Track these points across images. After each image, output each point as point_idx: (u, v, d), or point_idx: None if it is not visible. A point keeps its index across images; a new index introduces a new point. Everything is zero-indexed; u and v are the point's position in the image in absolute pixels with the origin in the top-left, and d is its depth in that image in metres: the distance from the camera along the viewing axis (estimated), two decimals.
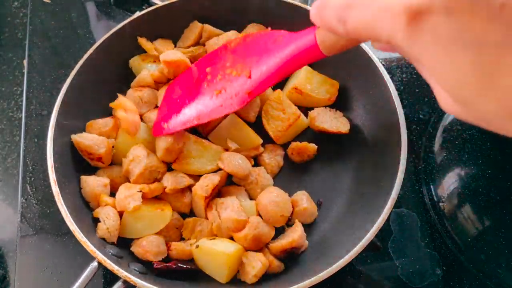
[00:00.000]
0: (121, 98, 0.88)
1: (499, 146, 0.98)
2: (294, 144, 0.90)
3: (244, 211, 0.79)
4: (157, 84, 0.95)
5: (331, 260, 0.70)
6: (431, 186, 0.94)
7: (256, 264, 0.75)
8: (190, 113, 0.81)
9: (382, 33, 0.39)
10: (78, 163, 0.85)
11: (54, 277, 0.82)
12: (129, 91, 0.94)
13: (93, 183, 0.81)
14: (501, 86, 0.32)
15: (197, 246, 0.76)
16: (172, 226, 0.81)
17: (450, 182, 0.95)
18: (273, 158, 0.90)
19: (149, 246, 0.77)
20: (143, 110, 0.92)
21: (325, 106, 0.95)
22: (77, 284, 0.67)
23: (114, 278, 0.69)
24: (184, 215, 0.84)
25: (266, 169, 0.88)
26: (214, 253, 0.75)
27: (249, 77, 0.74)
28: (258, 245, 0.79)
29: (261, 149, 0.90)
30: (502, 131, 0.37)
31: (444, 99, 0.41)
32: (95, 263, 0.69)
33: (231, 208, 0.79)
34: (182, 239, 0.82)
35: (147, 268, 0.77)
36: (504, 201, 0.91)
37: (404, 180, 0.76)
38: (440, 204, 0.91)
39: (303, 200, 0.83)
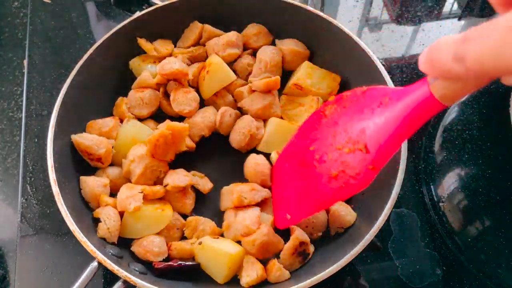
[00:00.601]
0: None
1: (499, 146, 0.98)
2: None
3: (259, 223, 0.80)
4: (158, 86, 0.95)
5: (331, 260, 0.70)
6: (431, 186, 0.94)
7: (252, 273, 0.75)
8: (310, 200, 0.71)
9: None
10: (78, 163, 0.85)
11: (54, 277, 0.82)
12: (131, 92, 0.94)
13: (93, 184, 0.81)
14: None
15: (200, 243, 0.76)
16: (172, 226, 0.81)
17: (450, 182, 0.95)
18: None
19: (149, 246, 0.77)
20: (144, 111, 0.92)
21: None
22: (77, 284, 0.67)
23: (114, 278, 0.69)
24: (185, 216, 0.84)
25: None
26: (217, 251, 0.75)
27: (367, 151, 0.63)
28: (265, 254, 0.78)
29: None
30: None
31: None
32: (95, 263, 0.69)
33: (249, 215, 0.79)
34: (182, 239, 0.82)
35: (147, 268, 0.77)
36: (504, 201, 0.91)
37: (404, 180, 0.76)
38: (440, 204, 0.91)
39: None
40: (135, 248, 0.78)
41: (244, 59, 0.99)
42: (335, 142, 0.69)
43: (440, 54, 0.39)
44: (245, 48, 1.01)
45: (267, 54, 0.96)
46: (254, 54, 1.00)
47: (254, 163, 0.85)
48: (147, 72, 0.95)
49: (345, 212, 0.81)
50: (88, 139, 0.83)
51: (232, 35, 0.97)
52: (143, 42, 0.96)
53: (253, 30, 1.00)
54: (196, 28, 1.01)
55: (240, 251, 0.76)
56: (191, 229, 0.81)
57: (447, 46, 0.38)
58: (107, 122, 0.88)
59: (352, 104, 0.68)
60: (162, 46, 0.99)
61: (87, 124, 0.88)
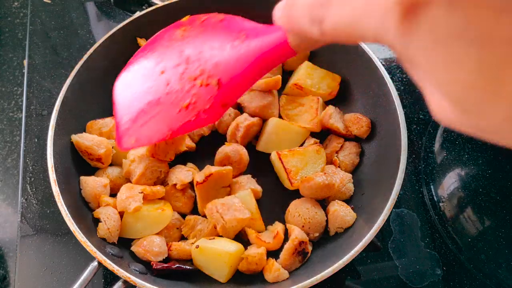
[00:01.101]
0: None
1: (499, 146, 0.98)
2: None
3: (246, 207, 0.80)
4: None
5: (331, 260, 0.70)
6: (431, 186, 0.94)
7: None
8: (159, 127, 0.69)
9: (368, 32, 0.33)
10: (78, 163, 0.85)
11: (54, 277, 0.82)
12: None
13: (93, 184, 0.81)
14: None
15: (197, 246, 0.76)
16: (172, 226, 0.81)
17: (450, 182, 0.95)
18: (347, 156, 0.89)
19: (149, 246, 0.77)
20: None
21: (334, 105, 0.94)
22: (77, 284, 0.67)
23: (114, 278, 0.69)
24: (184, 216, 0.84)
25: (340, 167, 0.88)
26: (215, 252, 0.75)
27: (219, 87, 0.63)
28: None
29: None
30: (504, 142, 0.33)
31: (438, 106, 0.34)
32: (95, 263, 0.69)
33: (234, 207, 0.79)
34: (182, 239, 0.82)
35: (147, 268, 0.77)
36: (504, 201, 0.91)
37: (404, 180, 0.76)
38: (440, 204, 0.91)
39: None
40: (135, 248, 0.78)
41: None
42: (188, 71, 0.67)
43: (297, 13, 0.39)
44: None
45: None
46: None
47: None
48: None
49: (344, 213, 0.80)
50: (88, 139, 0.83)
51: None
52: (143, 43, 0.96)
53: None
54: None
55: (238, 248, 0.76)
56: (188, 228, 0.82)
57: (304, 6, 0.38)
58: (107, 122, 0.88)
59: (208, 31, 0.67)
60: None
61: (87, 124, 0.88)
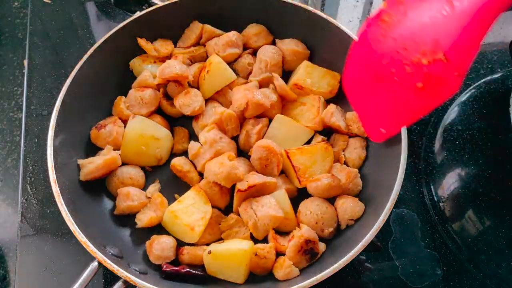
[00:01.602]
0: None
1: (499, 146, 0.98)
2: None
3: (280, 207, 0.80)
4: (158, 86, 0.95)
5: (331, 260, 0.70)
6: (431, 186, 0.94)
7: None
8: (401, 113, 0.73)
9: None
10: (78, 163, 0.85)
11: (54, 277, 0.82)
12: (131, 92, 0.94)
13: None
14: None
15: (209, 252, 0.75)
16: (215, 223, 0.82)
17: (450, 182, 0.95)
18: (353, 152, 0.89)
19: (155, 247, 0.77)
20: (143, 110, 0.92)
21: (336, 104, 0.94)
22: (77, 284, 0.67)
23: (114, 278, 0.69)
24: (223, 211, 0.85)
25: (348, 164, 0.88)
26: (230, 253, 0.75)
27: (447, 60, 0.61)
28: None
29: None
30: None
31: None
32: (95, 263, 0.69)
33: (268, 205, 0.79)
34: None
35: (147, 268, 0.77)
36: (504, 201, 0.91)
37: (404, 180, 0.76)
38: (440, 204, 0.91)
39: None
40: (147, 243, 0.79)
41: (244, 59, 0.99)
42: (409, 54, 0.66)
43: None
44: (245, 47, 1.01)
45: (268, 53, 0.96)
46: (254, 53, 1.00)
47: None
48: (147, 71, 0.95)
49: (353, 204, 0.81)
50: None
51: (232, 35, 0.98)
52: (143, 43, 0.97)
53: (253, 30, 1.00)
54: (196, 28, 1.01)
55: (251, 245, 0.76)
56: (227, 225, 0.82)
57: None
58: (110, 131, 0.88)
59: (411, 10, 0.65)
60: (162, 46, 0.99)
61: (92, 135, 0.88)
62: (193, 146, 0.87)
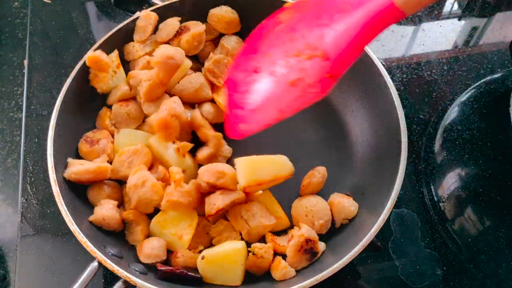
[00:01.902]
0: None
1: (499, 146, 0.98)
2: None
3: (270, 212, 0.80)
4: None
5: (331, 260, 0.70)
6: (431, 186, 0.94)
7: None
8: (268, 110, 0.70)
9: None
10: None
11: (54, 277, 0.82)
12: (115, 107, 0.90)
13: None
14: None
15: (202, 258, 0.74)
16: (202, 232, 0.81)
17: (450, 182, 0.95)
18: None
19: (144, 246, 0.77)
20: (132, 126, 0.89)
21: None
22: (77, 284, 0.67)
23: (114, 278, 0.69)
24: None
25: None
26: (224, 255, 0.75)
27: (326, 58, 0.63)
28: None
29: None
30: None
31: None
32: (95, 263, 0.69)
33: (259, 214, 0.78)
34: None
35: (147, 268, 0.77)
36: (504, 201, 0.91)
37: (404, 180, 0.76)
38: (440, 204, 0.91)
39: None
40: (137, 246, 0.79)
41: (206, 47, 0.99)
42: (293, 48, 0.67)
43: None
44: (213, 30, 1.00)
45: (230, 43, 0.96)
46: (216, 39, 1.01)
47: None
48: (124, 85, 0.91)
49: (348, 204, 0.81)
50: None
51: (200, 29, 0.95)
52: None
53: (226, 17, 0.98)
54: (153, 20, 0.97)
55: (243, 244, 0.76)
56: (217, 231, 0.80)
57: None
58: (104, 147, 0.85)
59: (310, 10, 0.67)
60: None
61: (83, 149, 0.85)
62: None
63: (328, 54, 0.62)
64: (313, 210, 0.81)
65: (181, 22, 0.99)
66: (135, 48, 0.96)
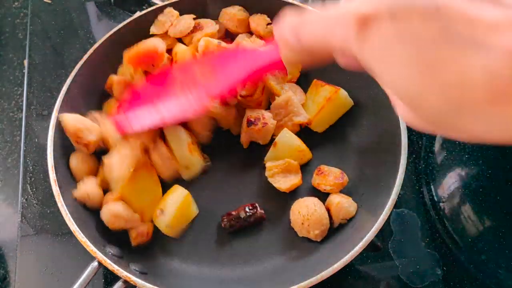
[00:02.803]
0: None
1: (499, 146, 0.98)
2: None
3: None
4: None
5: (331, 260, 0.70)
6: (432, 186, 0.94)
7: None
8: (156, 115, 0.81)
9: (336, 44, 0.42)
10: None
11: (54, 277, 0.82)
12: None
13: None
14: (441, 79, 0.34)
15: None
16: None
17: (450, 182, 0.95)
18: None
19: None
20: None
21: None
22: (77, 284, 0.67)
23: (114, 278, 0.69)
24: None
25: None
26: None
27: (208, 93, 0.78)
28: None
29: None
30: (451, 132, 0.38)
31: (401, 109, 0.43)
32: (95, 263, 0.69)
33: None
34: None
35: (147, 268, 0.77)
36: (504, 201, 0.91)
37: (404, 180, 0.76)
38: (441, 204, 0.91)
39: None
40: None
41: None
42: (196, 73, 0.82)
43: (283, 31, 0.51)
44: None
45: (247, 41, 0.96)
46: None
47: None
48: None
49: (348, 204, 0.81)
50: (79, 121, 0.81)
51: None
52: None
53: (238, 15, 0.98)
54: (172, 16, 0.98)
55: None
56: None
57: (289, 26, 0.50)
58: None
59: (220, 54, 0.84)
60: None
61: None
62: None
63: (217, 80, 0.78)
64: (310, 219, 0.79)
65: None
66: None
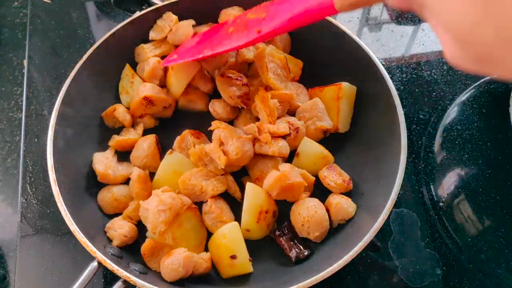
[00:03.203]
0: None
1: (499, 146, 0.98)
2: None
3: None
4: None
5: (331, 260, 0.70)
6: (431, 186, 0.94)
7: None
8: (201, 46, 0.86)
9: None
10: (79, 163, 0.85)
11: (54, 277, 0.82)
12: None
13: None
14: (499, 10, 0.33)
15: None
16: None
17: (450, 182, 0.95)
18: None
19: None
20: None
21: None
22: (77, 284, 0.67)
23: (114, 278, 0.69)
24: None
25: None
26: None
27: (263, 18, 0.77)
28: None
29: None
30: (497, 69, 0.37)
31: (447, 46, 0.41)
32: (95, 263, 0.69)
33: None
34: None
35: (147, 268, 0.77)
36: (504, 201, 0.91)
37: (404, 180, 0.76)
38: (440, 204, 0.91)
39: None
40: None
41: None
42: (246, 13, 0.84)
43: None
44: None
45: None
46: None
47: None
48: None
49: (347, 205, 0.81)
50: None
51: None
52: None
53: (234, 11, 0.99)
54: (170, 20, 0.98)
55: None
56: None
57: None
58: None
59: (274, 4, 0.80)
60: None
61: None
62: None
63: (266, 17, 0.77)
64: (310, 221, 0.80)
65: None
66: (144, 50, 0.96)
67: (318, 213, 0.80)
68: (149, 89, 0.90)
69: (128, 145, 0.90)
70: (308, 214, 0.80)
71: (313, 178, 0.86)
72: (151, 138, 0.89)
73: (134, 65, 0.98)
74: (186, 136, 0.89)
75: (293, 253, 0.79)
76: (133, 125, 0.94)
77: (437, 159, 0.97)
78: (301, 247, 0.80)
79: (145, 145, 0.87)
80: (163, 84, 0.96)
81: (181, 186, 0.81)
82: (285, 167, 0.82)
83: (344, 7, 0.63)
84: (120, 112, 0.91)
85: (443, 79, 1.10)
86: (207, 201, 0.82)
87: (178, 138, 0.88)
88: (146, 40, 0.98)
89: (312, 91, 0.95)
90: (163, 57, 0.96)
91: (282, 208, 0.85)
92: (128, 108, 0.94)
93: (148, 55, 0.96)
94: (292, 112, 0.94)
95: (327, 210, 0.82)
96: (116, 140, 0.89)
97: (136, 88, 0.93)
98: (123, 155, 0.90)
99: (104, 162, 0.85)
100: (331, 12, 0.65)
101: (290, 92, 0.92)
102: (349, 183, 0.85)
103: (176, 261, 0.73)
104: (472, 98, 1.05)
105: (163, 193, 0.77)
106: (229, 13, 0.98)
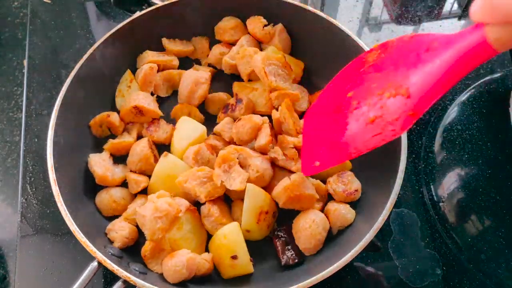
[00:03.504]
0: None
1: (499, 146, 0.98)
2: None
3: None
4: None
5: (331, 260, 0.70)
6: (431, 186, 0.94)
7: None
8: (343, 147, 0.70)
9: None
10: (78, 163, 0.85)
11: (54, 277, 0.82)
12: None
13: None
14: None
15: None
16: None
17: (450, 182, 0.95)
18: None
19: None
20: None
21: None
22: (77, 284, 0.67)
23: (114, 278, 0.69)
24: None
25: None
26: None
27: (408, 96, 0.61)
28: None
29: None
30: None
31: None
32: (95, 263, 0.69)
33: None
34: None
35: (147, 268, 0.77)
36: (504, 201, 0.91)
37: (404, 180, 0.76)
38: (440, 204, 0.91)
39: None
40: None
41: (215, 50, 1.02)
42: (377, 87, 0.66)
43: (501, 1, 0.42)
44: (218, 40, 1.04)
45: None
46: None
47: None
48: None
49: (345, 211, 0.81)
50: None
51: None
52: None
53: (229, 23, 1.01)
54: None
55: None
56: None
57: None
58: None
59: (397, 50, 0.65)
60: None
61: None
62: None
63: (411, 92, 0.61)
64: (302, 232, 0.79)
65: (181, 22, 0.99)
66: (147, 58, 0.97)
67: (312, 227, 0.79)
68: (141, 99, 0.90)
69: (122, 148, 0.89)
70: (303, 225, 0.79)
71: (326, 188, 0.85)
72: (144, 141, 0.88)
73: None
74: (202, 148, 0.86)
75: (283, 258, 0.79)
76: (126, 129, 0.94)
77: (437, 159, 0.97)
78: (293, 253, 0.80)
79: (138, 149, 0.87)
80: (157, 91, 0.97)
81: (178, 186, 0.81)
82: (296, 177, 0.80)
83: (501, 43, 0.50)
84: (114, 118, 0.91)
85: None
86: (205, 203, 0.82)
87: (192, 149, 0.86)
88: (146, 40, 0.98)
89: (313, 98, 0.95)
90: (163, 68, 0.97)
91: (285, 209, 0.85)
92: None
93: (146, 61, 0.96)
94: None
95: (326, 217, 0.81)
96: (111, 143, 0.89)
97: (130, 94, 0.93)
98: (117, 157, 0.91)
99: (102, 164, 0.85)
100: (490, 55, 0.52)
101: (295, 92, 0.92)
102: (349, 195, 0.83)
103: (180, 262, 0.73)
104: (472, 98, 1.05)
105: (159, 199, 0.77)
106: (222, 26, 1.00)
